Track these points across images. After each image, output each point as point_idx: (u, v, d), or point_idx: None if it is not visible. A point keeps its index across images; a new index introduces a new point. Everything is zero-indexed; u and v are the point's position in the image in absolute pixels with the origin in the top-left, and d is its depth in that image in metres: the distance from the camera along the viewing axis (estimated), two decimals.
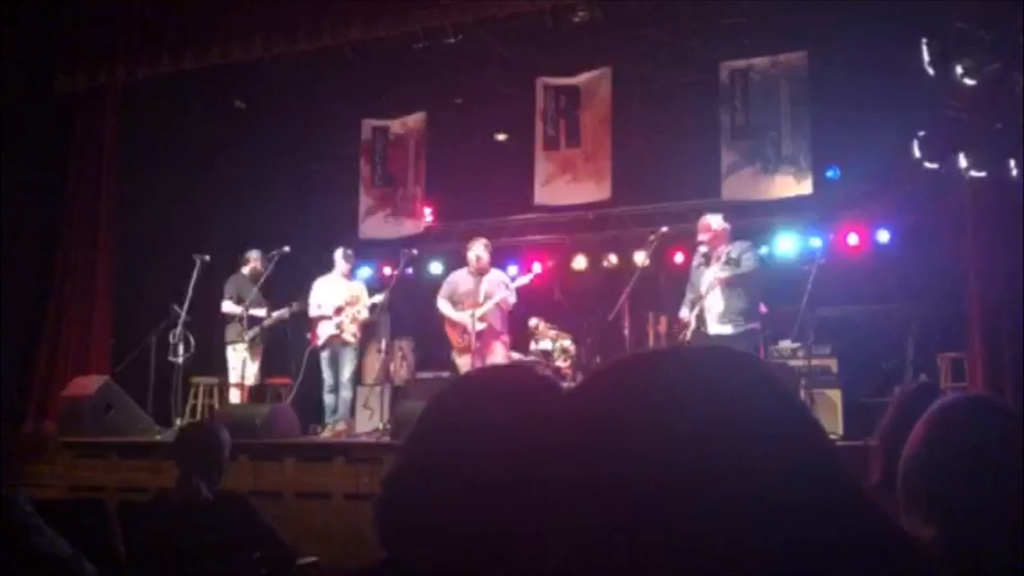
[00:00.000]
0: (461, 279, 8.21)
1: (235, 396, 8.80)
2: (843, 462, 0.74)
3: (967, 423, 1.41)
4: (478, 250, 8.09)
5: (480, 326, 7.86)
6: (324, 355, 8.49)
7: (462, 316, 7.97)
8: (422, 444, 1.10)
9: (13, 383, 8.74)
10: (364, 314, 8.53)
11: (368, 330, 9.23)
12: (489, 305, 7.89)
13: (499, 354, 7.94)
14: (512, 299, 8.02)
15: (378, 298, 8.47)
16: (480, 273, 8.07)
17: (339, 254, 8.73)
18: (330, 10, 8.55)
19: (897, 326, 8.46)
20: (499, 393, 1.11)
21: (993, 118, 6.76)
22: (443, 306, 8.15)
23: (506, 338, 8.18)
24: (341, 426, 8.35)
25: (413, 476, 1.06)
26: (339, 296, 8.51)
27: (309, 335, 8.61)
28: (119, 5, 9.21)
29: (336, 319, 8.41)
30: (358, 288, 8.71)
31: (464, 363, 7.85)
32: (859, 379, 7.80)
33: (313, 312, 8.56)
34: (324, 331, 8.46)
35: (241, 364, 8.69)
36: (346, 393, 8.47)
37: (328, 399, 8.47)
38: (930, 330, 8.19)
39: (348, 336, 8.46)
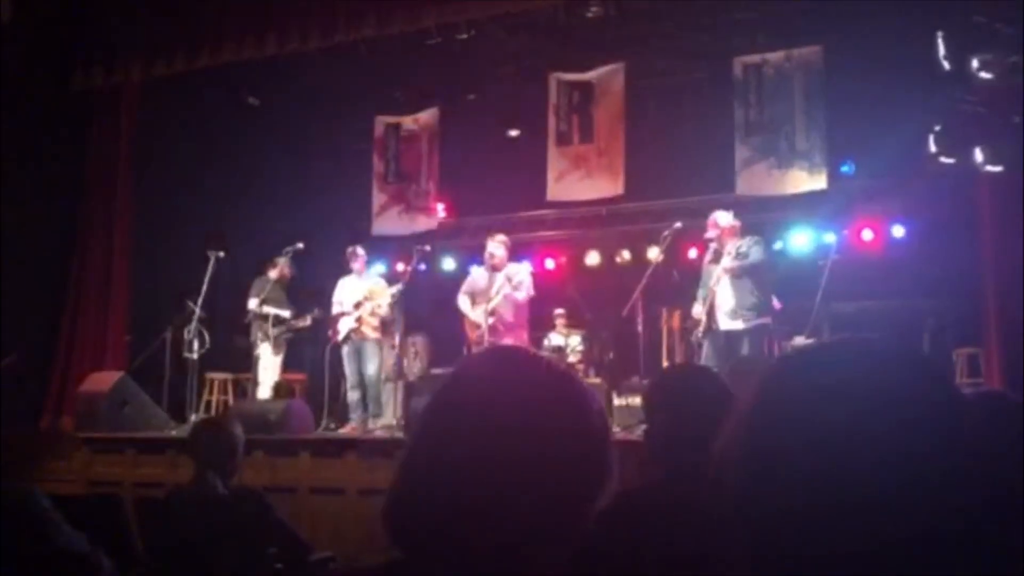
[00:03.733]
0: (478, 275, 8.22)
1: (261, 392, 8.83)
2: None
3: (980, 421, 1.40)
4: (492, 246, 8.08)
5: (491, 320, 7.85)
6: (345, 350, 8.45)
7: (474, 312, 7.98)
8: (428, 438, 1.08)
9: (31, 379, 8.81)
10: (384, 309, 8.49)
11: (381, 326, 9.23)
12: (495, 301, 7.88)
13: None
14: (520, 295, 7.94)
15: (394, 289, 8.47)
16: (495, 269, 8.06)
17: (348, 252, 8.75)
18: (343, 6, 8.55)
19: (912, 322, 8.42)
20: (500, 379, 1.09)
21: (1009, 112, 6.72)
22: (461, 302, 8.15)
23: (521, 332, 8.10)
24: (380, 422, 8.25)
25: (422, 472, 1.05)
26: (357, 292, 8.51)
27: (330, 332, 8.61)
28: (134, 3, 9.25)
29: (355, 313, 8.41)
30: (375, 283, 8.67)
31: None
32: None
33: (335, 310, 8.57)
34: (343, 326, 8.44)
35: (256, 361, 8.77)
36: (373, 390, 8.35)
37: (352, 396, 8.38)
38: (946, 326, 8.15)
39: (368, 331, 8.42)
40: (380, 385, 8.55)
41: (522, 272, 8.08)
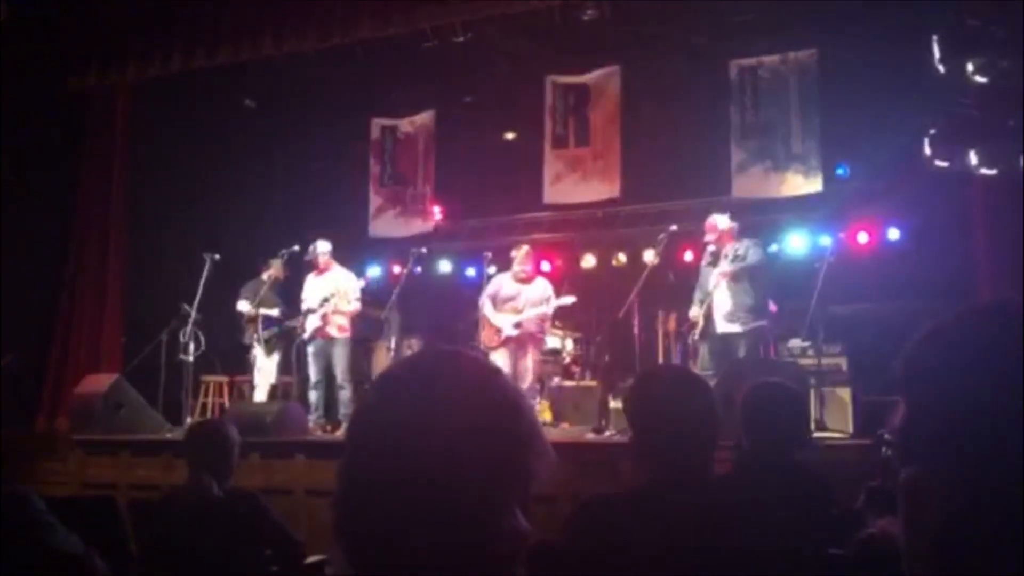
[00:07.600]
0: (505, 283, 8.17)
1: (258, 394, 8.79)
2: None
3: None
4: (520, 259, 8.09)
5: (515, 332, 7.87)
6: (310, 350, 8.34)
7: (501, 320, 7.97)
8: (358, 446, 1.08)
9: (26, 380, 8.79)
10: (350, 306, 8.34)
11: (377, 328, 9.19)
12: (527, 315, 7.92)
13: (531, 355, 8.00)
14: (550, 313, 8.08)
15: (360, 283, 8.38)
16: (524, 281, 8.07)
17: (309, 251, 8.58)
18: (340, 9, 8.56)
19: (908, 324, 8.31)
20: (420, 382, 1.08)
21: (1004, 115, 6.73)
22: (485, 306, 8.14)
23: (541, 335, 8.23)
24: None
25: (359, 480, 1.04)
26: (323, 289, 8.36)
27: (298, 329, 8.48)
28: (130, 4, 9.25)
29: (320, 311, 8.24)
30: (343, 280, 8.48)
31: (496, 358, 7.73)
32: (869, 377, 7.75)
33: (303, 308, 8.44)
34: (309, 325, 8.29)
35: (252, 363, 8.76)
36: (344, 392, 8.23)
37: (312, 395, 8.29)
38: None
39: (332, 330, 8.29)
40: (353, 386, 8.33)
41: (550, 287, 8.14)
